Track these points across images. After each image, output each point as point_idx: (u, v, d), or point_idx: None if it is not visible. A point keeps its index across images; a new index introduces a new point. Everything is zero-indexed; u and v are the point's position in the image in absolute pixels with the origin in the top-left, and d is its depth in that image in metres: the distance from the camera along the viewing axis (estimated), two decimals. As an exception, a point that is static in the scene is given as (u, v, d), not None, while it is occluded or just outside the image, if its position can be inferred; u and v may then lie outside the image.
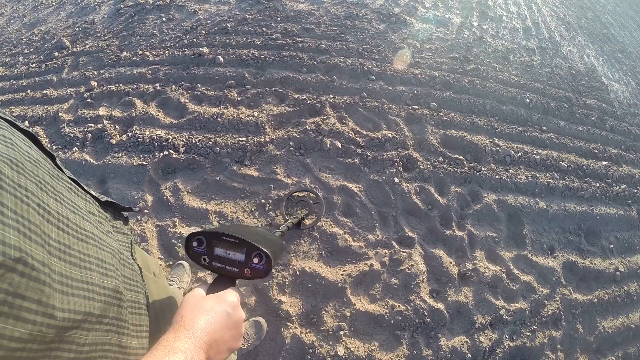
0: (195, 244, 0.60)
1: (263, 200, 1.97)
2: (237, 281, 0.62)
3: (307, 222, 1.87)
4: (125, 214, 0.66)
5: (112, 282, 0.45)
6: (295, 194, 1.96)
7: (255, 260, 0.59)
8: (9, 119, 0.42)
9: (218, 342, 0.47)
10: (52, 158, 0.47)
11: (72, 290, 0.36)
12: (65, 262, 0.37)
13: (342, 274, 1.78)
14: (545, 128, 2.80)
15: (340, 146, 2.21)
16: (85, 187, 0.54)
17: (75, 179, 0.51)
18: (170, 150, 2.15)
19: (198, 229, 1.61)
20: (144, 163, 2.11)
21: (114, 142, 2.23)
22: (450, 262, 1.92)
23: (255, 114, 2.34)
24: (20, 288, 0.29)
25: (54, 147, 2.28)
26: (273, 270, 1.76)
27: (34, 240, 0.32)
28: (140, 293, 0.56)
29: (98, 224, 0.50)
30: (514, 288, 1.93)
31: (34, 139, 0.45)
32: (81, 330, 0.38)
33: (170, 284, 1.44)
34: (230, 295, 0.54)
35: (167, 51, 2.83)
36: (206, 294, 0.54)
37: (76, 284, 0.37)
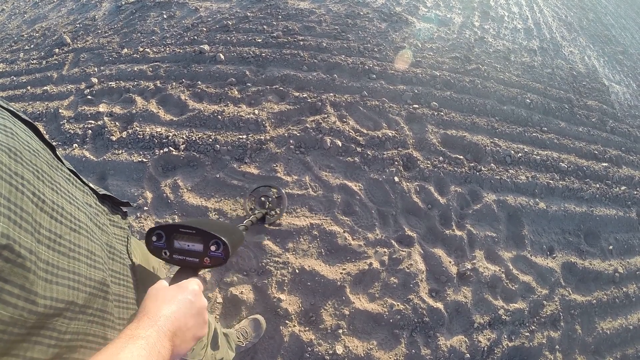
0: (154, 238, 0.60)
1: (262, 199, 1.97)
2: (199, 271, 0.63)
3: (271, 217, 1.88)
4: (124, 208, 0.66)
5: (99, 274, 0.45)
6: (259, 188, 1.96)
7: (213, 248, 0.60)
8: (11, 109, 0.43)
9: (183, 330, 0.48)
10: (52, 149, 0.47)
11: (56, 279, 0.37)
12: (54, 250, 0.37)
13: (341, 273, 1.78)
14: (545, 129, 2.80)
15: (340, 145, 2.21)
16: (84, 180, 0.54)
17: (74, 170, 0.51)
18: (170, 148, 2.15)
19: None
20: (144, 160, 2.11)
21: (114, 138, 2.23)
22: (450, 262, 1.92)
23: (256, 111, 2.34)
24: (3, 272, 0.30)
25: (54, 143, 2.27)
26: (272, 269, 1.76)
27: (23, 228, 0.33)
28: (129, 288, 0.56)
29: (95, 216, 0.50)
30: (513, 288, 1.93)
31: (35, 129, 0.45)
32: (63, 319, 0.38)
33: (169, 281, 1.44)
34: (192, 284, 0.55)
35: (167, 48, 2.82)
36: (169, 285, 0.55)
37: (62, 273, 0.38)
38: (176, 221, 0.64)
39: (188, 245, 0.60)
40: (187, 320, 0.49)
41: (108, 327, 0.48)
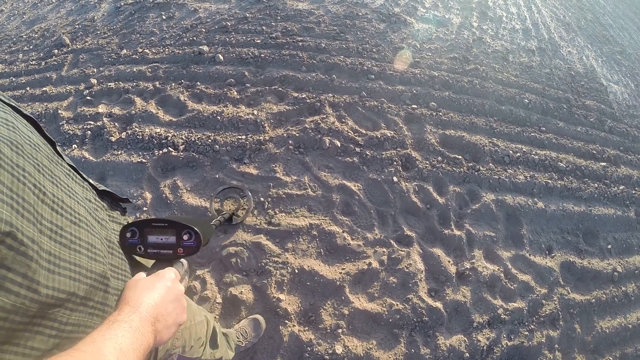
0: (129, 235, 0.61)
1: (262, 199, 1.97)
2: (174, 263, 0.64)
3: (238, 217, 1.90)
4: (123, 205, 0.67)
5: (99, 267, 0.46)
6: (224, 190, 1.98)
7: (186, 237, 0.62)
8: (13, 104, 0.43)
9: (164, 315, 0.49)
10: (53, 144, 0.48)
11: (58, 269, 0.37)
12: (56, 242, 0.38)
13: (340, 273, 1.78)
14: (544, 128, 2.81)
15: (339, 145, 2.21)
16: (84, 175, 0.55)
17: (74, 166, 0.52)
18: (169, 148, 2.15)
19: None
20: (143, 160, 2.11)
21: (113, 139, 2.23)
22: (449, 261, 1.92)
23: (255, 112, 2.34)
24: (6, 260, 0.31)
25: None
26: (272, 269, 1.76)
27: (26, 218, 0.33)
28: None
29: (94, 211, 0.51)
30: (512, 287, 1.94)
31: (36, 124, 0.46)
32: (64, 310, 0.39)
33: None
34: (169, 272, 0.57)
35: (167, 49, 2.83)
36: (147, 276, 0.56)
37: (63, 264, 0.38)
38: (148, 217, 0.69)
39: (161, 239, 0.62)
40: (166, 305, 0.51)
41: None
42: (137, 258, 0.65)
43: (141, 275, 0.56)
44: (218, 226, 0.97)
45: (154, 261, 0.64)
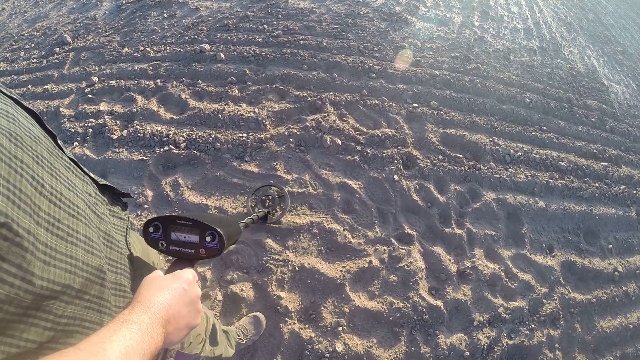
0: (152, 229, 0.61)
1: (265, 198, 1.97)
2: (195, 263, 0.63)
3: (273, 216, 1.88)
4: (124, 199, 0.67)
5: (96, 260, 0.46)
6: (262, 188, 1.97)
7: (209, 239, 0.61)
8: (15, 97, 0.43)
9: (176, 317, 0.48)
10: (54, 137, 0.48)
11: (54, 261, 0.37)
12: (52, 234, 0.38)
13: (341, 270, 1.78)
14: (545, 128, 2.80)
15: (340, 143, 2.21)
16: (85, 169, 0.55)
17: (75, 159, 0.52)
18: (170, 146, 2.15)
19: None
20: (145, 158, 2.11)
21: (114, 137, 2.23)
22: (449, 260, 1.92)
23: (256, 110, 2.34)
24: (1, 250, 0.31)
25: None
26: (272, 266, 1.76)
27: (22, 209, 0.33)
28: (126, 277, 0.57)
29: (93, 204, 0.51)
30: (513, 286, 1.93)
31: (37, 117, 0.46)
32: (59, 302, 0.39)
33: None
34: (186, 273, 0.55)
35: (168, 47, 2.83)
36: (164, 275, 0.55)
37: (59, 256, 0.38)
38: (173, 213, 0.66)
39: (184, 237, 0.61)
40: (180, 308, 0.50)
41: (105, 314, 0.48)
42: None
43: (158, 273, 0.54)
44: (249, 225, 0.95)
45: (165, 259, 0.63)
